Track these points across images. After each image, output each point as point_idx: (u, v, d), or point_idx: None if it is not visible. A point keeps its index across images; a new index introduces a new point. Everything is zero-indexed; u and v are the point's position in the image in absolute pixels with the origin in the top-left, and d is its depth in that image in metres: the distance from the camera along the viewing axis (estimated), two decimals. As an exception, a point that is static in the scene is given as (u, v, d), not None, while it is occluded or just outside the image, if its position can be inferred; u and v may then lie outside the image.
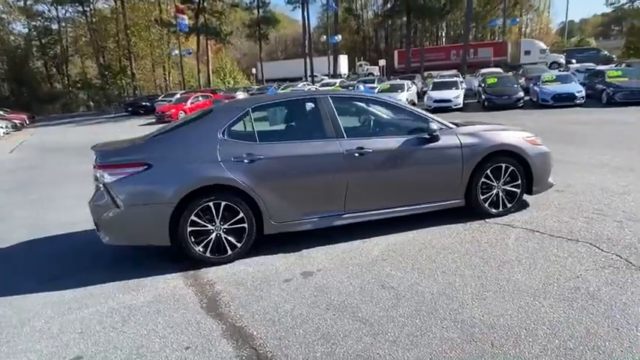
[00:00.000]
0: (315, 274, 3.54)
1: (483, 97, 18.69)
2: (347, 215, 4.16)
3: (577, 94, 16.44)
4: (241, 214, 3.86)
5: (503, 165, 4.47)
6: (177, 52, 41.07)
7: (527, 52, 41.08)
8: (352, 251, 3.94)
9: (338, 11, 36.69)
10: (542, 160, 4.61)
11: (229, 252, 3.90)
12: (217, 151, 3.84)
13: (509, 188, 4.55)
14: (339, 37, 38.99)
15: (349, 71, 51.73)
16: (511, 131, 4.72)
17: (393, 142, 4.22)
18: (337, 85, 26.52)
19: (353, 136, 4.17)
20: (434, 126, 4.24)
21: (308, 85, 27.23)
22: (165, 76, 53.26)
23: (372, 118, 4.71)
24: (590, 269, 3.24)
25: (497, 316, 2.72)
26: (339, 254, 3.91)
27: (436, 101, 18.50)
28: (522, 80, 21.74)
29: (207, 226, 3.82)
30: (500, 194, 4.53)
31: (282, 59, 70.01)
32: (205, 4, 45.25)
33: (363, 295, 3.12)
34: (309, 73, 40.64)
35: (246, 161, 3.85)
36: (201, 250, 3.83)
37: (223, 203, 3.80)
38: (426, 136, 4.26)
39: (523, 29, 58.47)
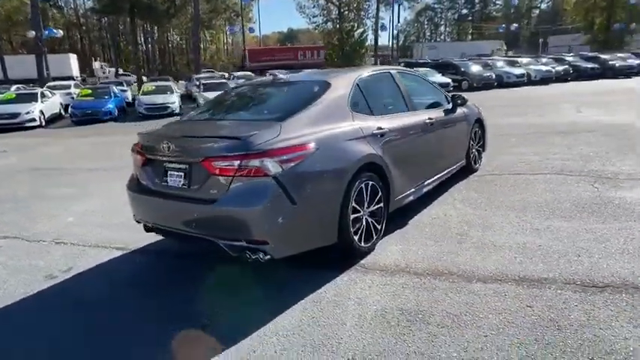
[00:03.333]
0: (470, 233, 3.78)
1: None
2: (427, 182, 4.43)
3: None
4: (380, 194, 3.59)
5: (477, 130, 5.71)
6: None
7: None
8: (451, 216, 4.24)
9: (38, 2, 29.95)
10: (486, 125, 6.11)
11: (374, 237, 3.57)
12: (358, 126, 3.44)
13: (477, 148, 5.83)
14: (60, 32, 31.89)
15: (81, 73, 43.51)
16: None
17: (439, 113, 4.76)
18: (72, 86, 22.26)
19: (418, 109, 4.47)
20: (459, 100, 5.03)
21: (31, 88, 21.57)
22: None
23: (418, 92, 5.05)
24: (593, 184, 4.85)
25: (613, 215, 3.88)
26: (445, 217, 4.19)
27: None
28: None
29: (360, 212, 3.39)
30: (476, 153, 5.77)
31: None
32: None
33: (549, 231, 3.68)
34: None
35: (379, 136, 3.61)
36: (357, 239, 3.37)
37: (370, 183, 3.46)
38: (451, 106, 5.01)
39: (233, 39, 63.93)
